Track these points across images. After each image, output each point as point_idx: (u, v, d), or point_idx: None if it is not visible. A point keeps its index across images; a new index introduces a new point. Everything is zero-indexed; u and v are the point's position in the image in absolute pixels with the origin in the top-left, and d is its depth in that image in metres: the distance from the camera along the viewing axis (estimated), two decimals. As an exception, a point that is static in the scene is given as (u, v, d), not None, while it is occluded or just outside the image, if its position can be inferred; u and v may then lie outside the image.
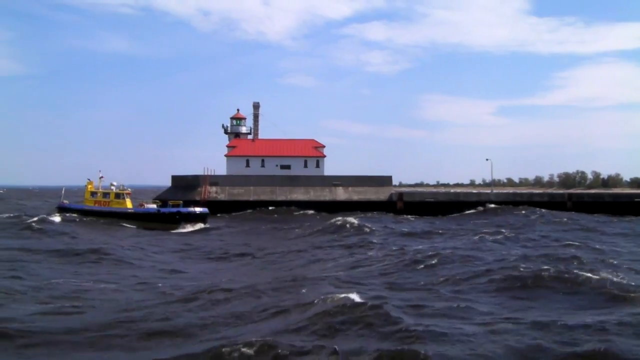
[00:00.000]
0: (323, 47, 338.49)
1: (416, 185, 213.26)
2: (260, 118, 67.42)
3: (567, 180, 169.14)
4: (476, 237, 24.61)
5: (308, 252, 20.73)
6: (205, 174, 54.20)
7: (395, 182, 63.84)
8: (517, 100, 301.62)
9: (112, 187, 42.13)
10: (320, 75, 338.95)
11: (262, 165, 60.47)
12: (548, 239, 25.39)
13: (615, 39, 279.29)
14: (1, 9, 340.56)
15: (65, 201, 44.17)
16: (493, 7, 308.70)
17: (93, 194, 42.21)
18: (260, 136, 67.12)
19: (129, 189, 42.65)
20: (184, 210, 39.80)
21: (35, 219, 36.00)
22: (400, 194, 54.64)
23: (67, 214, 40.66)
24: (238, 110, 67.58)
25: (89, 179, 42.93)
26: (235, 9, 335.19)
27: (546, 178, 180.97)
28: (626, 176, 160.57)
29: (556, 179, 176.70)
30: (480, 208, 51.35)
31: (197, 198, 52.09)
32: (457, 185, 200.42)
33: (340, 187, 55.31)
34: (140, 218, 39.54)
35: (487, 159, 62.94)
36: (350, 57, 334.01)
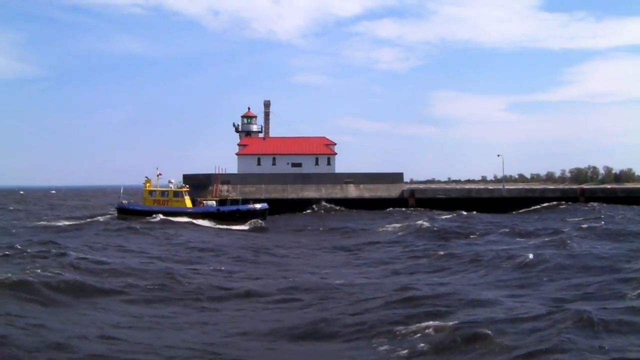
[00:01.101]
0: (334, 45, 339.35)
1: (427, 182, 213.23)
2: (271, 116, 67.15)
3: (579, 175, 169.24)
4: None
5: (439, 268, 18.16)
6: (217, 172, 54.91)
7: (406, 179, 64.12)
8: (528, 96, 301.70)
9: (171, 185, 41.92)
10: (331, 74, 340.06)
11: (274, 164, 60.87)
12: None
13: (626, 34, 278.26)
14: (12, 11, 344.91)
15: (124, 201, 43.43)
16: (503, 3, 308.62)
17: (151, 193, 41.94)
18: (271, 134, 66.71)
19: (187, 186, 42.62)
20: (243, 207, 40.52)
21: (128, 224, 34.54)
22: (412, 191, 55.15)
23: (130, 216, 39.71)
24: (249, 108, 68.15)
25: (147, 177, 42.61)
26: (246, 8, 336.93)
27: (558, 173, 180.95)
28: (639, 171, 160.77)
29: (568, 174, 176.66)
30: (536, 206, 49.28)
31: (209, 197, 52.72)
32: (468, 181, 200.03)
33: (352, 185, 55.60)
34: (200, 217, 39.50)
35: (498, 155, 63.83)
36: (361, 55, 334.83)
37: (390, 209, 51.05)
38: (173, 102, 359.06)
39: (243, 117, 66.91)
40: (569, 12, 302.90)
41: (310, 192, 54.45)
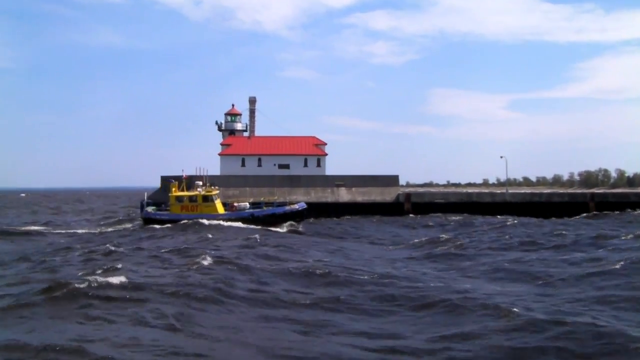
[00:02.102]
0: (324, 38, 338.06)
1: (425, 185, 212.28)
2: (256, 114, 67.61)
3: (588, 178, 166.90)
4: None
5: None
6: (198, 174, 55.29)
7: (402, 182, 64.00)
8: (532, 93, 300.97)
9: (199, 189, 41.13)
10: (321, 68, 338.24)
11: (259, 165, 60.80)
12: None
13: (638, 27, 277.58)
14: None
15: (149, 209, 42.05)
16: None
17: (179, 199, 40.80)
18: (257, 133, 67.07)
19: (217, 187, 42.38)
20: (279, 210, 40.50)
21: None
22: (408, 195, 54.78)
23: (156, 225, 38.41)
24: (233, 105, 67.67)
25: (172, 181, 41.98)
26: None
27: (566, 177, 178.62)
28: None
29: (577, 177, 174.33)
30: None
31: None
32: (469, 184, 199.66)
33: (343, 188, 55.36)
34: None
35: (501, 157, 62.17)
36: (353, 49, 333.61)
37: (379, 216, 50.62)
38: (152, 99, 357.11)
39: (227, 114, 67.05)
40: (574, 4, 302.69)
41: (298, 196, 53.81)
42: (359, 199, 54.54)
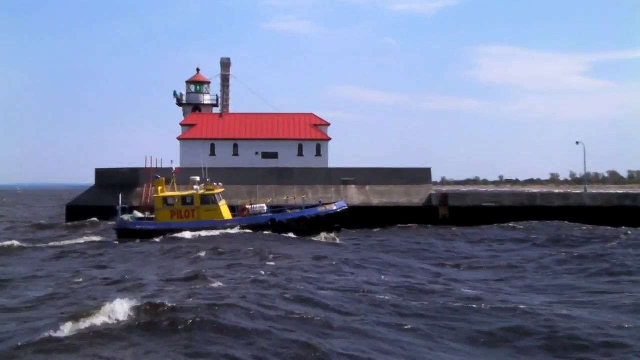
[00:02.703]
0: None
1: (468, 182, 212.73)
2: (232, 82, 67.87)
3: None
4: None
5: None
6: (149, 166, 55.40)
7: (436, 177, 63.89)
8: (624, 52, 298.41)
9: (196, 187, 42.02)
10: (322, 19, 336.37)
11: (235, 154, 61.46)
12: None
13: None
14: None
15: (125, 217, 42.57)
16: None
17: (166, 201, 41.62)
18: (232, 109, 67.31)
19: (221, 185, 43.49)
20: (310, 212, 41.82)
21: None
22: (444, 196, 55.18)
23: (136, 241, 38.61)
24: (198, 70, 67.90)
25: (157, 177, 42.86)
26: None
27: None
28: None
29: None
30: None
31: (135, 204, 53.28)
32: (530, 182, 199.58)
33: (354, 186, 55.77)
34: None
35: (577, 143, 61.47)
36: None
37: (401, 225, 51.46)
38: (88, 62, 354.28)
39: (189, 83, 67.82)
40: None
41: (290, 196, 53.36)
42: (375, 201, 54.59)
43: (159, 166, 56.88)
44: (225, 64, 67.74)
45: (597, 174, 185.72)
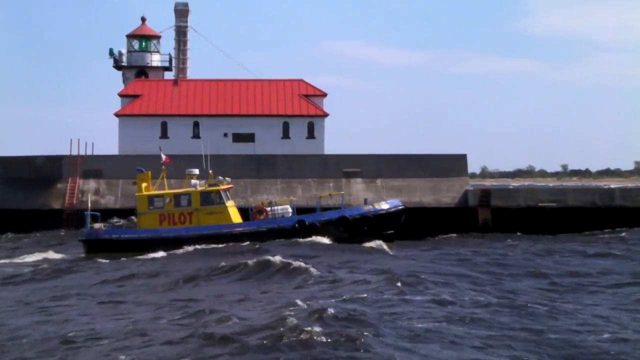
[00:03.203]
0: None
1: (518, 174, 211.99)
2: (190, 37, 68.11)
3: None
4: None
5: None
6: (75, 153, 55.50)
7: (474, 167, 64.41)
8: None
9: (194, 181, 43.40)
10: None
11: (196, 135, 61.54)
12: None
13: None
14: None
15: (97, 225, 43.72)
16: None
17: (152, 201, 42.96)
18: (191, 74, 67.25)
19: (228, 180, 45.15)
20: (352, 212, 43.35)
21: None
22: (485, 193, 55.31)
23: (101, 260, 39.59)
24: (144, 20, 67.77)
25: (140, 170, 44.03)
26: None
27: None
28: None
29: None
30: None
31: (56, 206, 53.62)
32: (606, 173, 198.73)
33: (359, 180, 56.03)
34: (265, 240, 40.97)
35: None
36: None
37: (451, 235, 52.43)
38: None
39: (131, 37, 67.05)
40: None
41: (270, 194, 54.45)
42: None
43: (89, 153, 57.66)
44: (182, 12, 67.21)
45: None
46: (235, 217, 43.00)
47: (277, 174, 55.65)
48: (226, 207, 42.45)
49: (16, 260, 41.07)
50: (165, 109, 61.88)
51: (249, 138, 61.32)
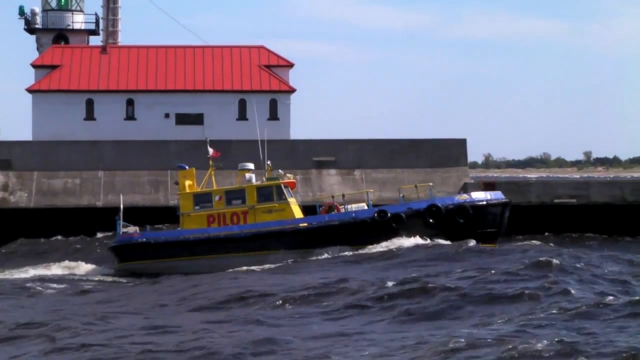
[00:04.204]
0: None
1: (531, 164, 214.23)
2: None
3: None
4: None
5: None
6: None
7: (475, 156, 64.43)
8: None
9: (249, 176, 45.03)
10: None
11: (129, 116, 62.64)
12: None
13: None
14: None
15: (131, 229, 45.36)
16: None
17: (198, 199, 44.67)
18: (123, 40, 67.72)
19: (290, 176, 46.87)
20: (442, 202, 44.26)
21: None
22: (490, 186, 55.12)
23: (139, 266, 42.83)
24: None
25: (182, 166, 46.03)
26: None
27: None
28: None
29: None
30: None
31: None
32: (638, 161, 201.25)
33: (334, 171, 57.06)
34: (338, 240, 42.58)
35: None
36: None
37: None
38: None
39: None
40: None
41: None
42: (371, 196, 51.55)
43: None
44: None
45: None
46: (297, 211, 44.28)
47: (231, 163, 53.54)
48: (288, 204, 43.74)
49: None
50: (91, 84, 61.95)
51: (197, 119, 61.99)
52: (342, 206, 45.01)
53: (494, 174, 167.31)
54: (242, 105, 62.03)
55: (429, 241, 42.12)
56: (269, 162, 45.36)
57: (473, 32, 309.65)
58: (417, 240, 42.13)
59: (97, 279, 42.33)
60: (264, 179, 44.53)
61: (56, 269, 43.93)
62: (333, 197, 47.06)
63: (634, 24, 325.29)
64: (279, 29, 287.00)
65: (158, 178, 55.52)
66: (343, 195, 46.77)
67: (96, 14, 67.30)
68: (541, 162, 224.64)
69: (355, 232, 42.52)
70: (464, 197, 44.55)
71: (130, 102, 61.58)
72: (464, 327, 24.46)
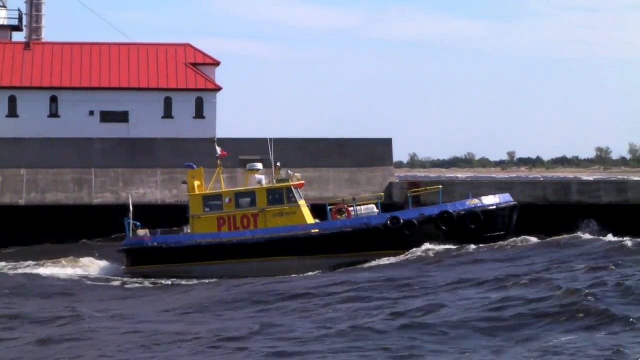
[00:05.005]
0: None
1: (456, 163, 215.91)
2: None
3: None
4: None
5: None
6: None
7: (400, 155, 64.67)
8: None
9: (259, 177, 45.11)
10: None
11: (53, 113, 61.95)
12: None
13: None
14: None
15: (141, 232, 45.15)
16: None
17: (208, 201, 44.47)
18: (47, 36, 66.87)
19: (299, 176, 46.69)
20: (455, 208, 44.15)
21: None
22: (414, 187, 55.23)
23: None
24: None
25: (190, 166, 45.63)
26: None
27: None
28: None
29: None
30: None
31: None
32: (562, 162, 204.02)
33: (261, 170, 53.87)
34: (351, 246, 42.76)
35: None
36: None
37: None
38: None
39: None
40: None
41: (149, 190, 56.32)
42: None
43: None
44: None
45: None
46: (310, 219, 44.05)
47: (156, 162, 55.65)
48: (299, 207, 43.58)
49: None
50: (14, 80, 61.45)
51: (122, 117, 61.47)
52: (352, 208, 44.97)
53: (419, 173, 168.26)
54: (168, 103, 61.77)
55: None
56: (278, 164, 45.57)
57: (399, 33, 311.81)
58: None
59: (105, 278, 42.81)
60: (274, 180, 44.68)
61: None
62: (344, 200, 47.25)
63: (557, 26, 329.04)
64: (205, 27, 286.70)
65: (82, 176, 54.96)
66: (354, 199, 46.56)
67: (19, 10, 66.43)
68: (466, 162, 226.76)
69: (368, 239, 42.47)
70: (474, 202, 44.70)
71: (54, 100, 60.98)
72: None
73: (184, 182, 46.26)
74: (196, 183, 44.37)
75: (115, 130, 59.51)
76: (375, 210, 45.01)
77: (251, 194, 44.02)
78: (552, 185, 61.07)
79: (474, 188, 57.36)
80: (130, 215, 45.25)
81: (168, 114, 61.71)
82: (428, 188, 50.11)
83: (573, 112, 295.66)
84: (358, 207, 44.87)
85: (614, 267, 32.74)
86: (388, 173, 56.80)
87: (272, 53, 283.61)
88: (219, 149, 46.31)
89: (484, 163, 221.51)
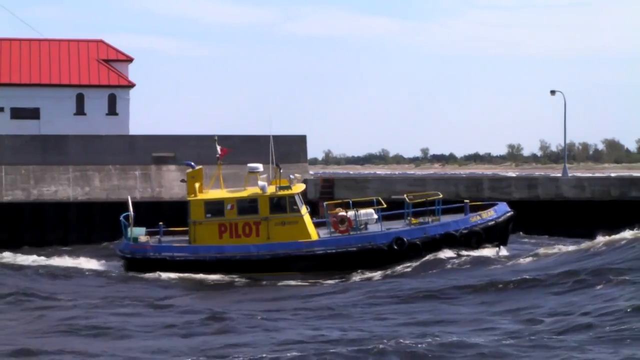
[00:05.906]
0: None
1: (370, 160, 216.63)
2: None
3: None
4: None
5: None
6: None
7: (315, 152, 64.92)
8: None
9: (262, 184, 43.12)
10: None
11: None
12: None
13: None
14: None
15: (143, 237, 43.81)
16: None
17: (211, 207, 42.95)
18: None
19: (298, 178, 45.64)
20: (457, 227, 43.08)
21: None
22: (329, 183, 57.01)
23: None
24: None
25: (190, 164, 44.03)
26: None
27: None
28: None
29: None
30: None
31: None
32: (475, 159, 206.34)
33: (173, 166, 57.03)
34: (357, 261, 41.79)
35: (552, 93, 63.00)
36: None
37: None
38: None
39: None
40: None
41: (59, 186, 55.73)
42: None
43: None
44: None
45: (586, 146, 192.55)
46: (311, 228, 43.02)
47: (68, 159, 55.10)
48: (302, 217, 42.55)
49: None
50: None
51: (32, 114, 61.50)
52: (347, 213, 43.82)
53: (333, 170, 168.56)
54: (80, 100, 61.60)
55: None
56: (281, 170, 44.64)
57: (312, 29, 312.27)
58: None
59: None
60: (277, 186, 43.18)
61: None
62: (342, 204, 45.96)
63: (471, 24, 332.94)
64: (118, 23, 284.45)
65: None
66: (338, 212, 44.92)
67: None
68: (380, 158, 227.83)
69: (371, 257, 41.73)
70: (475, 218, 44.01)
71: (-43, 96, 60.42)
72: None
73: (183, 181, 45.55)
74: (196, 185, 43.49)
75: (26, 127, 59.33)
76: (374, 215, 44.05)
77: (253, 201, 42.97)
78: (465, 181, 61.63)
79: (388, 185, 58.41)
80: (131, 217, 44.31)
81: (80, 110, 61.52)
82: (428, 198, 47.46)
83: (485, 110, 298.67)
84: (356, 212, 43.88)
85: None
86: (303, 170, 56.50)
87: (186, 49, 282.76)
88: (219, 148, 45.29)
89: (398, 159, 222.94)
